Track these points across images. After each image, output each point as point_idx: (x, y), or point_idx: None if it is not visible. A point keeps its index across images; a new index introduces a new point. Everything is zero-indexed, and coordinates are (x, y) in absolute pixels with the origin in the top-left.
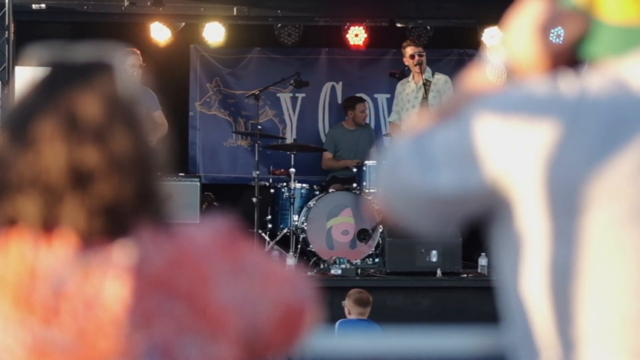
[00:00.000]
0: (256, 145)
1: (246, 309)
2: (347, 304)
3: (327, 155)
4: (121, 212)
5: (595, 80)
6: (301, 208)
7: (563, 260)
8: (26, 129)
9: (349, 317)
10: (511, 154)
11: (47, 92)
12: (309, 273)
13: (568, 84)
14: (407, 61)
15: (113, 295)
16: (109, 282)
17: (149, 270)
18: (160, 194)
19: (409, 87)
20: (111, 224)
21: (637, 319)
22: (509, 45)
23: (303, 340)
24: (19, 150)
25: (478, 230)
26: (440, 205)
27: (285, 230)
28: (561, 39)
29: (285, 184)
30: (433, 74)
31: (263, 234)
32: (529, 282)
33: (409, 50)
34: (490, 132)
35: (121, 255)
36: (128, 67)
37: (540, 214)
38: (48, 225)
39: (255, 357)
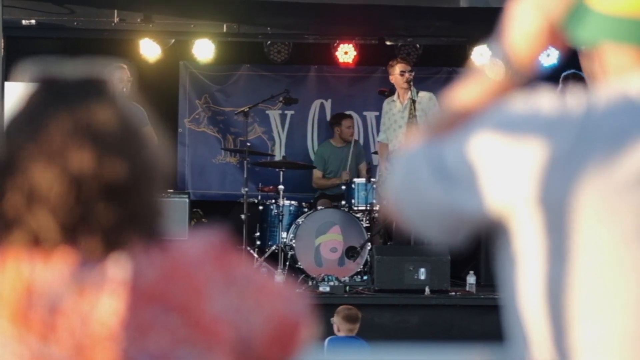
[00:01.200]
0: (245, 162)
1: (239, 321)
2: (336, 321)
3: (317, 174)
4: (120, 229)
5: (601, 97)
6: (290, 225)
7: (560, 277)
8: (49, 143)
9: (338, 334)
10: (514, 171)
11: (60, 108)
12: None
13: (574, 100)
14: (395, 79)
15: (109, 310)
16: (105, 297)
17: (143, 283)
18: (157, 210)
19: (395, 107)
20: (110, 240)
21: (636, 335)
22: (507, 33)
23: (298, 355)
24: (19, 170)
25: (466, 248)
26: (454, 221)
27: (273, 247)
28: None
29: (273, 200)
30: (417, 93)
31: (251, 251)
32: (528, 297)
33: (399, 67)
34: (495, 150)
35: (115, 269)
36: (117, 82)
37: (539, 231)
38: (48, 242)
39: None
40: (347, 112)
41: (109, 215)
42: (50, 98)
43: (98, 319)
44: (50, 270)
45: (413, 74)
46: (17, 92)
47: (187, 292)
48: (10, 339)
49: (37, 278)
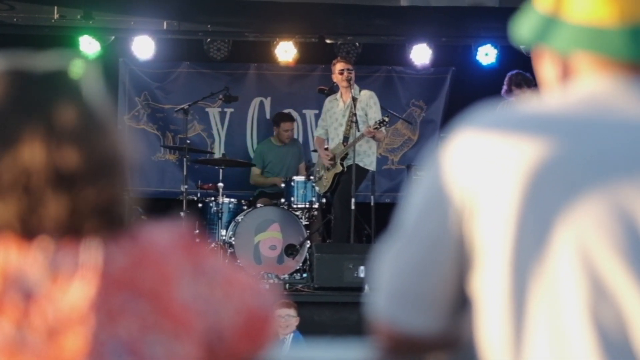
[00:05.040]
0: (184, 159)
1: (208, 310)
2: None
3: (256, 171)
4: (75, 218)
5: (570, 100)
6: (229, 223)
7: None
8: (4, 134)
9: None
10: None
11: (20, 100)
12: None
13: (550, 107)
14: (336, 77)
15: (80, 295)
16: (76, 282)
17: (113, 270)
18: (116, 200)
19: (337, 106)
20: (65, 228)
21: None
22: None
23: (266, 348)
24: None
25: None
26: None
27: (212, 245)
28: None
29: (213, 198)
30: (360, 91)
31: None
32: (488, 329)
33: (339, 66)
34: (479, 149)
35: (87, 256)
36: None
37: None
38: (23, 228)
39: None
40: (288, 112)
41: (59, 205)
42: (13, 90)
43: (70, 304)
44: (25, 257)
45: (353, 72)
46: None
47: (156, 279)
48: None
49: (11, 265)
